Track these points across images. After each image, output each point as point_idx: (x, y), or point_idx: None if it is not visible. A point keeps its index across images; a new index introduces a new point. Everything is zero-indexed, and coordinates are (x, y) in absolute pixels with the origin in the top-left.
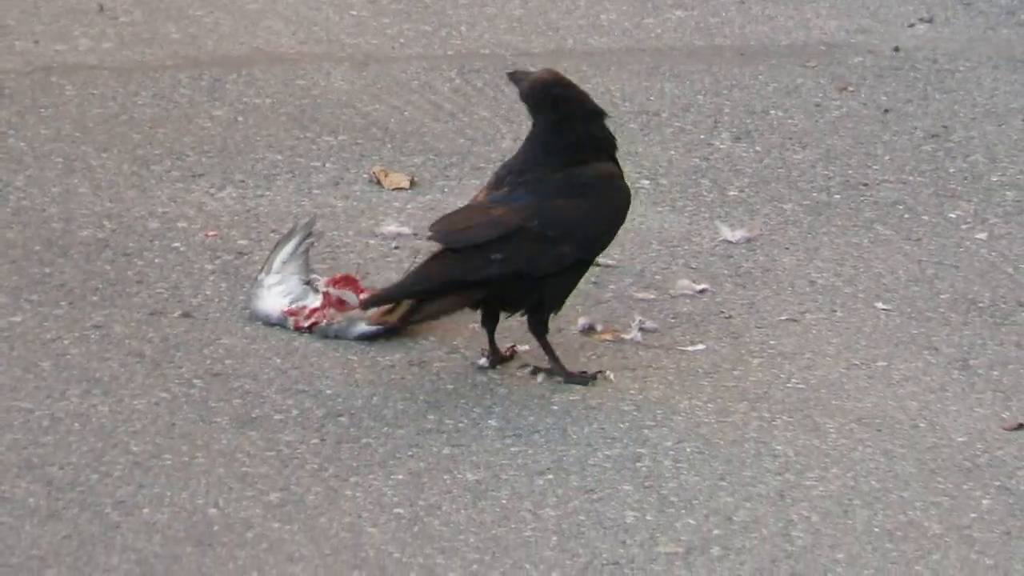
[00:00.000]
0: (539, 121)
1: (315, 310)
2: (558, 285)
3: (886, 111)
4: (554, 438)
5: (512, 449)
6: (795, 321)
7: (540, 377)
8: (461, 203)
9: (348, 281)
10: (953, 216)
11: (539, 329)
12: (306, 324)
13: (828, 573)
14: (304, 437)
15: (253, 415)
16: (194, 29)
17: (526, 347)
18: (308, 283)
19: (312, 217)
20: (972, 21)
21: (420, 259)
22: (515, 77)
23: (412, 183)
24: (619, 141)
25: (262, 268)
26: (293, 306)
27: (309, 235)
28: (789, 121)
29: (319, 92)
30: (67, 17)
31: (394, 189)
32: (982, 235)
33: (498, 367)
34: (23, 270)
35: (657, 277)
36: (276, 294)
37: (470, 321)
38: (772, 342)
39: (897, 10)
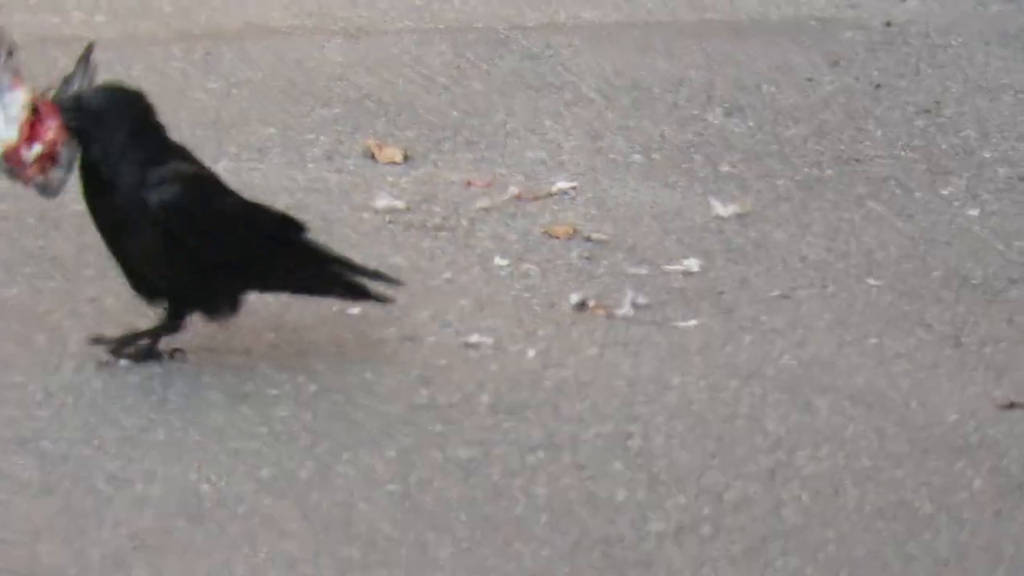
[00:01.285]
0: None
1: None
2: None
3: (878, 86)
4: (546, 415)
5: (504, 425)
6: (787, 297)
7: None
8: (455, 177)
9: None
10: (945, 192)
11: None
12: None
13: (819, 552)
14: (296, 413)
15: (245, 390)
16: (186, 2)
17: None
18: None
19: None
20: None
21: None
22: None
23: (405, 157)
24: (612, 115)
25: None
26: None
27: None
28: (781, 96)
29: (312, 65)
30: None
31: (387, 163)
32: (974, 211)
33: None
34: (16, 243)
35: (649, 252)
36: None
37: (461, 297)
38: (764, 318)
39: None
